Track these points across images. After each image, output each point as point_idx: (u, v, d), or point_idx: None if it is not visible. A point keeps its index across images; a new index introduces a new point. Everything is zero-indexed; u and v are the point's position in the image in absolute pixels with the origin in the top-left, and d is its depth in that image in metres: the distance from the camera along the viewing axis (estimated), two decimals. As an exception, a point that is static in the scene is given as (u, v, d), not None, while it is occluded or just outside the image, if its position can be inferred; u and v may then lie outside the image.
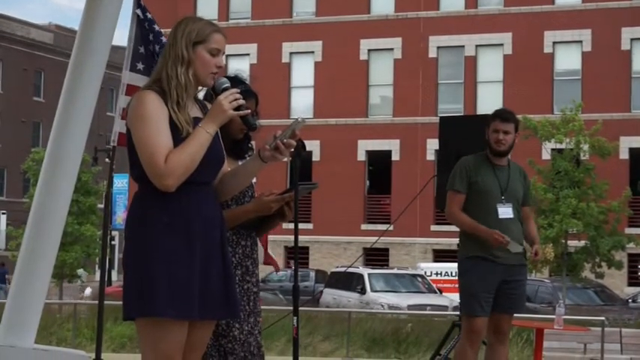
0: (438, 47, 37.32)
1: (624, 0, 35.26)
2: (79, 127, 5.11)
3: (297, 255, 4.82)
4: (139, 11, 7.11)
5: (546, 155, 28.74)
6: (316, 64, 38.90)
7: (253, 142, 4.60)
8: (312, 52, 38.94)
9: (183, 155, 3.67)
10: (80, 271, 36.64)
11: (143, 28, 7.12)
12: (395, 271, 28.43)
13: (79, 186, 29.52)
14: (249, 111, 3.87)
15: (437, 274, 29.10)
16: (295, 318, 4.65)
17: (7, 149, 58.87)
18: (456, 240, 6.91)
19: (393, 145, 37.45)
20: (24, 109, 60.86)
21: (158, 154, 3.65)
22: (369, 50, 38.26)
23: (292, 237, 4.77)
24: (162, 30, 7.15)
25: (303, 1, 39.52)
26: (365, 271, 26.69)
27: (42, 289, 5.12)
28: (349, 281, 26.31)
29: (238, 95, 3.79)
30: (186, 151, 3.68)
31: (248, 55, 39.15)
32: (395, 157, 37.45)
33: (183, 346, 3.76)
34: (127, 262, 3.75)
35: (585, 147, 26.73)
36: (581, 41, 35.55)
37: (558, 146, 27.56)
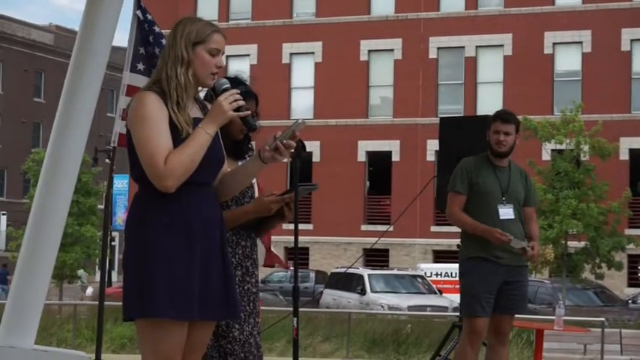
0: (438, 48, 37.32)
1: (624, 1, 35.27)
2: (79, 127, 5.11)
3: (297, 256, 4.83)
4: (139, 12, 7.11)
5: (546, 156, 28.74)
6: (316, 64, 38.90)
7: (253, 143, 4.61)
8: (313, 52, 38.95)
9: (183, 156, 3.67)
10: (80, 272, 36.65)
11: (143, 29, 7.12)
12: (395, 271, 28.43)
13: (79, 187, 29.51)
14: (249, 112, 3.87)
15: (437, 274, 29.11)
16: (295, 319, 4.65)
17: (8, 150, 58.88)
18: (456, 241, 6.91)
19: (393, 146, 37.45)
20: (24, 110, 60.87)
21: (158, 155, 3.65)
22: (370, 51, 38.27)
23: (292, 237, 4.77)
24: (162, 31, 7.15)
25: (304, 1, 39.53)
26: (365, 272, 26.69)
27: (42, 290, 5.12)
28: (349, 282, 26.31)
29: (238, 96, 3.79)
30: (186, 152, 3.68)
31: (248, 55, 39.16)
32: (395, 157, 37.45)
33: (183, 346, 3.76)
34: (127, 263, 3.75)
35: (585, 148, 26.74)
36: (581, 42, 35.56)
37: (558, 147, 27.57)
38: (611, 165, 28.72)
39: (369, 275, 26.36)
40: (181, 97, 3.77)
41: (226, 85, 3.87)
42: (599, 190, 26.30)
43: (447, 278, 28.50)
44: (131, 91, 6.85)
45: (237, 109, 3.78)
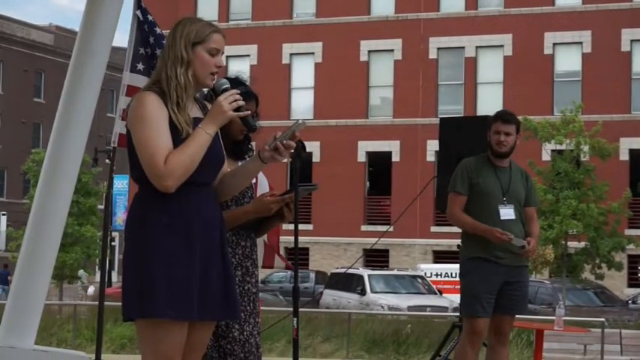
0: (438, 48, 37.33)
1: (624, 1, 35.27)
2: (79, 128, 5.11)
3: (298, 256, 4.83)
4: (138, 12, 7.11)
5: (546, 156, 28.75)
6: (316, 65, 38.90)
7: (253, 143, 4.61)
8: (313, 53, 38.95)
9: (183, 156, 3.67)
10: (81, 273, 36.65)
11: (143, 30, 7.11)
12: (395, 272, 28.44)
13: (79, 187, 29.51)
14: (249, 112, 3.88)
15: (437, 275, 29.11)
16: (295, 319, 4.65)
17: (8, 150, 58.88)
18: (456, 241, 6.91)
19: (393, 146, 37.45)
20: (24, 110, 60.87)
21: (158, 155, 3.65)
22: (369, 51, 38.27)
23: (292, 238, 4.77)
24: (163, 32, 7.15)
25: (304, 2, 39.53)
26: (365, 272, 26.69)
27: (42, 290, 5.12)
28: (349, 282, 26.31)
29: (238, 96, 3.79)
30: (186, 152, 3.68)
31: (248, 56, 39.16)
32: (395, 158, 37.45)
33: (183, 346, 3.76)
34: (126, 263, 3.74)
35: (585, 148, 26.75)
36: (581, 42, 35.56)
37: (558, 147, 27.58)
38: (611, 165, 28.73)
39: (369, 275, 26.36)
40: (181, 98, 3.77)
41: (226, 86, 3.87)
42: (599, 190, 26.31)
43: (447, 278, 28.51)
44: (131, 91, 6.85)
45: (237, 109, 3.78)
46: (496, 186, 6.65)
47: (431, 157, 35.10)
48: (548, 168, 27.05)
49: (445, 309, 23.16)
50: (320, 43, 38.70)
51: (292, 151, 3.96)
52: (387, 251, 36.22)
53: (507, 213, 6.61)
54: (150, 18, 7.14)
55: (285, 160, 4.07)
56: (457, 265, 7.04)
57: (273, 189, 4.64)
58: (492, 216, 6.58)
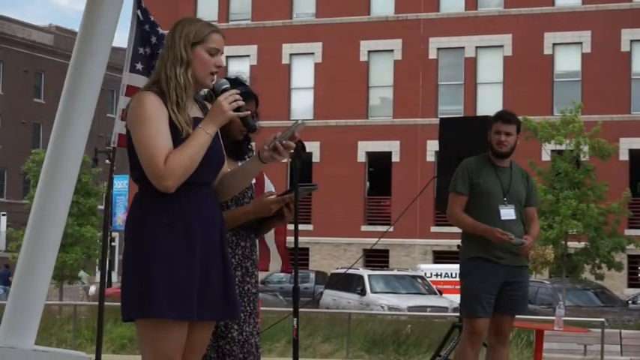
0: (438, 48, 37.33)
1: (624, 1, 35.27)
2: (79, 128, 5.11)
3: (298, 256, 4.83)
4: (138, 12, 7.10)
5: (546, 156, 28.75)
6: (316, 65, 38.90)
7: (253, 144, 4.61)
8: (312, 53, 38.94)
9: (183, 156, 3.67)
10: (81, 273, 36.63)
11: (143, 29, 7.10)
12: (395, 272, 28.44)
13: (79, 187, 29.49)
14: (249, 112, 3.88)
15: (437, 275, 29.10)
16: (295, 319, 4.65)
17: (8, 150, 58.88)
18: (456, 241, 6.91)
19: (393, 147, 37.45)
20: (24, 111, 60.87)
21: (158, 155, 3.65)
22: (369, 51, 38.27)
23: (292, 238, 4.77)
24: (165, 32, 7.13)
25: (303, 2, 39.53)
26: (365, 273, 26.69)
27: (42, 291, 5.11)
28: (349, 282, 26.31)
29: (238, 96, 3.79)
30: (186, 152, 3.68)
31: (248, 56, 39.16)
32: (395, 158, 37.45)
33: (183, 347, 3.76)
34: (126, 263, 3.74)
35: (585, 148, 26.75)
36: (581, 42, 35.56)
37: (558, 147, 27.57)
38: (611, 165, 28.73)
39: (369, 276, 26.36)
40: (181, 98, 3.77)
41: (226, 86, 3.88)
42: (599, 190, 26.31)
43: (447, 279, 28.50)
44: (131, 91, 6.84)
45: (237, 109, 3.78)
46: (497, 186, 6.66)
47: (431, 157, 35.10)
48: (548, 168, 27.04)
49: (445, 309, 23.15)
50: (320, 44, 38.70)
51: (292, 151, 3.96)
52: (387, 251, 36.22)
53: (508, 213, 6.62)
54: (151, 18, 7.13)
55: (285, 161, 4.07)
56: (457, 266, 7.04)
57: (277, 190, 4.65)
58: (493, 216, 6.59)
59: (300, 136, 3.98)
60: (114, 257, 48.09)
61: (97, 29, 5.08)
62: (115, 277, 46.33)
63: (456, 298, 17.00)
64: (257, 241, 4.66)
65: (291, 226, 4.65)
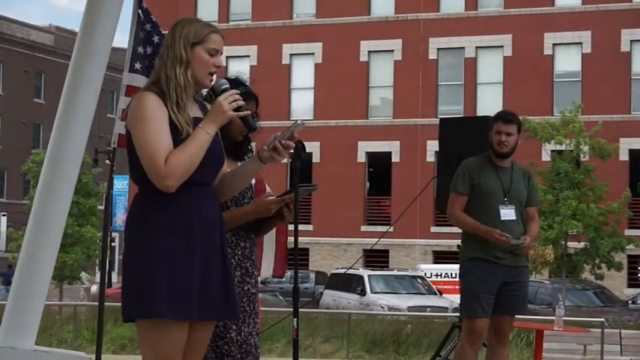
0: (438, 49, 37.32)
1: (624, 1, 35.27)
2: (79, 128, 5.11)
3: (298, 257, 4.83)
4: (139, 12, 7.09)
5: (546, 157, 28.75)
6: (316, 65, 38.90)
7: (253, 144, 4.61)
8: (312, 53, 38.94)
9: (183, 156, 3.67)
10: (82, 274, 36.62)
11: (144, 29, 7.10)
12: (395, 272, 28.43)
13: (79, 187, 29.50)
14: (249, 112, 3.88)
15: (437, 275, 29.10)
16: (295, 319, 4.65)
17: (8, 151, 58.88)
18: (456, 241, 6.91)
19: (393, 147, 37.44)
20: (24, 111, 60.87)
21: (158, 156, 3.65)
22: (369, 52, 38.26)
23: (292, 238, 4.77)
24: (165, 33, 7.12)
25: (304, 2, 39.52)
26: (365, 273, 26.69)
27: (42, 291, 5.12)
28: (349, 283, 26.31)
29: (238, 96, 3.79)
30: (186, 152, 3.68)
31: (248, 56, 39.16)
32: (395, 158, 37.44)
33: (184, 346, 3.76)
34: (126, 264, 3.75)
35: (585, 148, 26.75)
36: (581, 43, 35.55)
37: (558, 148, 27.58)
38: (611, 165, 28.73)
39: (369, 276, 26.36)
40: (181, 98, 3.77)
41: (226, 86, 3.88)
42: (599, 190, 26.31)
43: (446, 279, 28.49)
44: (131, 91, 6.84)
45: (237, 110, 3.79)
46: (497, 186, 6.66)
47: (431, 157, 35.09)
48: (548, 168, 27.04)
49: (445, 309, 23.15)
50: (320, 44, 38.69)
51: (291, 151, 3.97)
52: (387, 252, 36.22)
53: (508, 213, 6.62)
54: (153, 18, 7.13)
55: (285, 161, 4.08)
56: (457, 266, 7.04)
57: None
58: (493, 216, 6.59)
59: (300, 136, 3.99)
60: (114, 257, 48.09)
61: (97, 29, 5.08)
62: (115, 277, 46.33)
63: (455, 299, 17.00)
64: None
65: (291, 227, 4.65)
